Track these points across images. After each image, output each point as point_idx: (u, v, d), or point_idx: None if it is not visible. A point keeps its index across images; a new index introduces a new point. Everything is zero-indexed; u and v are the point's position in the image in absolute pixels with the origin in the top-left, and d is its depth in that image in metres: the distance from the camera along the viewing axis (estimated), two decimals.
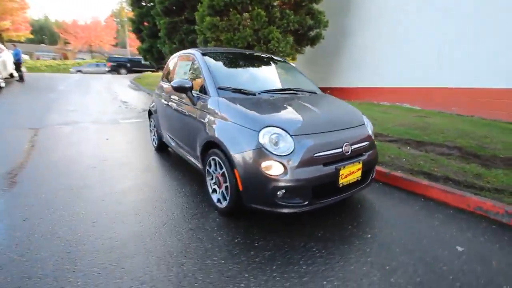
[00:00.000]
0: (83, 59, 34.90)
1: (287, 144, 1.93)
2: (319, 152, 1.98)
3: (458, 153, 3.83)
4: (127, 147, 4.52)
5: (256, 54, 3.35)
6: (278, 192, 1.90)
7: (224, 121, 2.21)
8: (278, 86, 2.78)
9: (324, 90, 3.29)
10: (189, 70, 3.01)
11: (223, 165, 2.16)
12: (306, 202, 1.97)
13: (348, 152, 2.12)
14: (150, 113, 4.32)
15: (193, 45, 10.76)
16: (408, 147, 4.12)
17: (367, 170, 2.31)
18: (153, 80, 19.60)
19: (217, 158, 2.24)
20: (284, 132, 1.96)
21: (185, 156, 3.01)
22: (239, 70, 2.93)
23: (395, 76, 7.32)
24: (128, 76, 24.10)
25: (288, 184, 1.89)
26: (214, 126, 2.28)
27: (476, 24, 5.39)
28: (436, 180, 3.01)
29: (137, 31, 13.94)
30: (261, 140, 1.94)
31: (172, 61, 3.72)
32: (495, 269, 1.74)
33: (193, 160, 2.83)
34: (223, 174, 2.20)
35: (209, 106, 2.41)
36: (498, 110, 4.98)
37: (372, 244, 1.95)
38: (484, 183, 2.93)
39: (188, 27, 10.62)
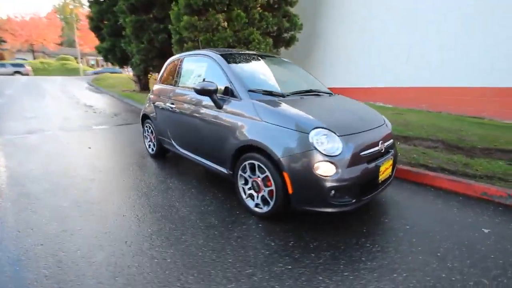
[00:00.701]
0: (24, 59, 30.89)
1: (336, 144, 1.97)
2: (364, 151, 2.06)
3: (442, 146, 4.27)
4: (116, 155, 4.15)
5: (265, 55, 3.34)
6: (331, 192, 1.93)
7: (264, 124, 2.16)
8: (299, 87, 2.81)
9: None
10: (204, 73, 2.88)
11: (265, 169, 2.12)
12: (354, 200, 2.03)
13: (382, 149, 2.24)
14: (145, 118, 4.03)
15: (164, 44, 10.29)
16: (398, 142, 4.47)
17: (393, 166, 2.46)
18: (113, 81, 18.29)
19: (256, 163, 2.19)
20: (331, 133, 2.00)
21: (203, 162, 2.87)
22: (257, 71, 2.89)
23: (369, 78, 7.87)
24: (85, 77, 22.17)
25: (341, 184, 1.93)
26: (251, 129, 2.23)
27: (442, 30, 6.06)
28: (434, 170, 3.33)
29: (96, 29, 12.82)
30: (312, 142, 1.95)
31: (174, 63, 3.52)
32: None
33: (214, 166, 2.72)
34: (264, 179, 2.16)
35: (241, 110, 2.34)
36: (464, 106, 5.68)
37: (414, 234, 2.08)
38: (473, 171, 3.31)
39: (157, 25, 10.11)
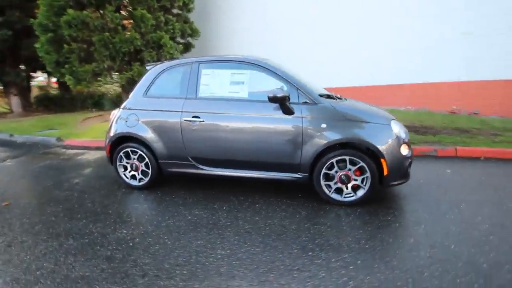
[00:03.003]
0: None
1: (403, 130, 2.63)
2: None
3: None
4: (83, 201, 2.95)
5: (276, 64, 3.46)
6: (408, 167, 2.58)
7: (352, 123, 2.49)
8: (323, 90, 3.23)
9: None
10: (248, 81, 2.73)
11: (359, 160, 2.46)
12: (410, 171, 2.76)
13: None
14: (121, 141, 3.10)
15: (6, 44, 7.29)
16: None
17: None
18: None
19: (347, 157, 2.48)
20: (399, 122, 2.64)
21: (257, 176, 2.76)
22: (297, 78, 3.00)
23: None
24: None
25: (411, 159, 2.61)
26: (339, 129, 2.48)
27: (322, 43, 8.04)
28: None
29: None
30: (395, 130, 2.51)
31: (177, 72, 2.96)
32: (476, 175, 3.36)
33: (278, 175, 2.71)
34: (357, 170, 2.50)
35: (319, 113, 2.53)
36: (369, 100, 7.86)
37: (437, 185, 3.07)
38: None
39: None
